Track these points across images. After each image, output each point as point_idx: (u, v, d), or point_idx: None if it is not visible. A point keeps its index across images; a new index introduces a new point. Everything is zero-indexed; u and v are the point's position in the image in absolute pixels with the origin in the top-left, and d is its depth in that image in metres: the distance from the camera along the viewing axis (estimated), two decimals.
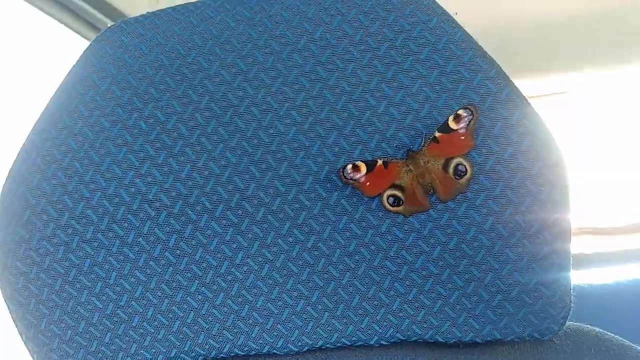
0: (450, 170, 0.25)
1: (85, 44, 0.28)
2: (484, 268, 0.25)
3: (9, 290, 0.28)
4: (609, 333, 0.29)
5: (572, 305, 0.26)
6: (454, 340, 0.26)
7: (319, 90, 0.26)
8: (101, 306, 0.27)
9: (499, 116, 0.25)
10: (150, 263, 0.26)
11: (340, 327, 0.26)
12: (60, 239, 0.27)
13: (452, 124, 0.25)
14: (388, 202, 0.25)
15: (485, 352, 0.27)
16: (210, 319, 0.26)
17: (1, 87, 0.64)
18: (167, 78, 0.26)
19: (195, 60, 0.26)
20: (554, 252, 0.25)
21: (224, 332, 0.26)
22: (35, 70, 0.67)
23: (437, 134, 0.25)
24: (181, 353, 0.26)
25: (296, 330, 0.26)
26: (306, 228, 0.26)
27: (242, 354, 0.26)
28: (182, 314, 0.26)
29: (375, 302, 0.26)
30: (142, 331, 0.27)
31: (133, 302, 0.26)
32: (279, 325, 0.26)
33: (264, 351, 0.26)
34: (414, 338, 0.26)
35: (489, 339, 0.26)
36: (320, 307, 0.26)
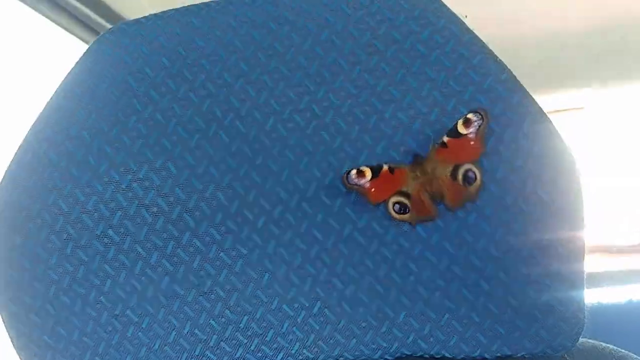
0: (459, 177, 0.24)
1: (84, 47, 0.28)
2: (493, 281, 0.24)
3: (1, 298, 0.27)
4: (623, 350, 0.28)
5: (586, 321, 0.25)
6: (462, 355, 0.25)
7: (324, 94, 0.25)
8: (95, 315, 0.26)
9: (510, 122, 0.24)
10: (146, 271, 0.25)
11: (343, 341, 0.25)
12: (54, 245, 0.26)
13: (462, 129, 0.24)
14: (394, 210, 0.24)
15: None
16: (208, 329, 0.25)
17: None
18: (168, 79, 0.26)
19: (197, 62, 0.26)
20: (567, 266, 0.24)
21: (222, 343, 0.25)
22: (34, 72, 0.68)
23: (445, 139, 0.24)
24: None
25: (297, 343, 0.25)
26: (309, 237, 0.25)
27: None
28: (178, 325, 0.25)
29: (380, 315, 0.25)
30: (137, 342, 0.26)
31: (128, 311, 0.26)
32: (279, 338, 0.25)
33: None
34: (420, 353, 0.25)
35: (498, 354, 0.24)
36: (322, 319, 0.25)
